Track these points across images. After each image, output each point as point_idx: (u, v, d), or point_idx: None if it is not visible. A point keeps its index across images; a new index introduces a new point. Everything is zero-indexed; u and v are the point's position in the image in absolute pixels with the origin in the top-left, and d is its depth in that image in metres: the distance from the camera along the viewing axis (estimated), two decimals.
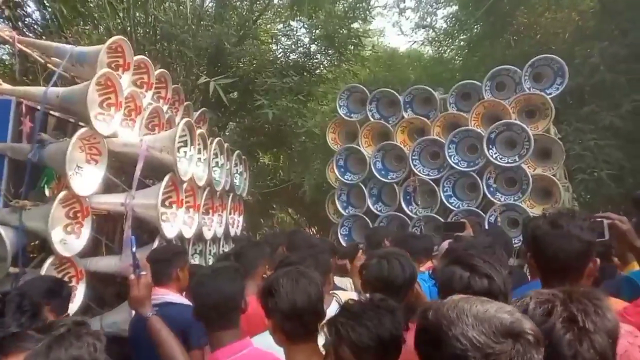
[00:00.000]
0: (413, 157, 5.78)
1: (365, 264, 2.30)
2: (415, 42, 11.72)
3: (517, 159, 5.35)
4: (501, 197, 5.46)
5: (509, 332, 0.98)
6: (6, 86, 3.52)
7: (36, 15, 7.37)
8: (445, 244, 3.28)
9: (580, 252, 1.75)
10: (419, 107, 6.15)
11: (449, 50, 12.72)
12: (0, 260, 3.16)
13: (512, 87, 5.85)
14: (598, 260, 1.81)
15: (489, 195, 5.45)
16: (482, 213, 5.42)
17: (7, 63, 7.58)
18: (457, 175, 5.67)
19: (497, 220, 5.32)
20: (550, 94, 5.62)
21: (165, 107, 4.63)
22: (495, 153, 5.45)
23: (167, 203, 3.79)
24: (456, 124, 5.82)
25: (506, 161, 5.40)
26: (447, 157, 5.58)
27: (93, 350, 1.27)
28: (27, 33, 6.45)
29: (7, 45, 6.45)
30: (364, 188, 6.06)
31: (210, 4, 8.93)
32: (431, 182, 5.71)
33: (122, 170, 4.05)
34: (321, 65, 8.69)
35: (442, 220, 5.44)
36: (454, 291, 1.52)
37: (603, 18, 9.36)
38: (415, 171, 5.78)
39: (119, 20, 7.40)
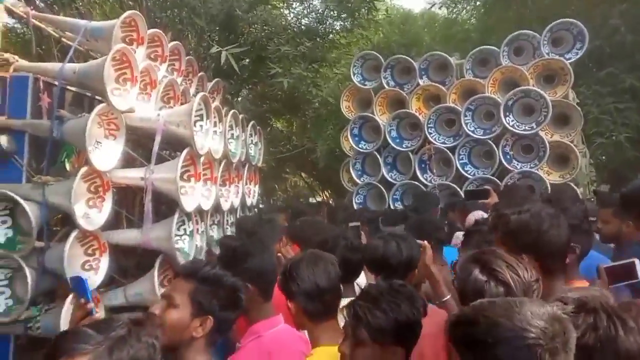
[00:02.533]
0: (429, 125, 5.75)
1: (365, 245, 2.34)
2: (430, 3, 11.30)
3: (535, 126, 5.29)
4: (517, 164, 5.44)
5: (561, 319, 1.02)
6: (23, 62, 3.51)
7: None
8: (472, 217, 3.23)
9: None
10: (435, 74, 6.06)
11: (464, 12, 12.39)
12: (26, 235, 3.25)
13: (531, 52, 5.74)
14: None
15: (505, 163, 5.42)
16: (497, 181, 5.40)
17: (19, 33, 7.55)
18: (473, 142, 5.64)
19: None
20: (569, 59, 5.52)
21: (179, 80, 4.62)
22: (513, 120, 5.39)
23: (185, 177, 3.82)
24: (473, 90, 5.74)
25: (523, 128, 5.34)
26: (464, 125, 5.53)
27: (152, 351, 1.27)
28: (38, 4, 6.39)
29: (20, 21, 6.44)
30: (378, 156, 6.05)
31: None
32: (447, 150, 5.68)
33: (140, 144, 4.09)
34: (334, 31, 8.53)
35: (458, 188, 5.44)
36: (467, 292, 1.54)
37: None
38: (431, 139, 5.75)
39: None
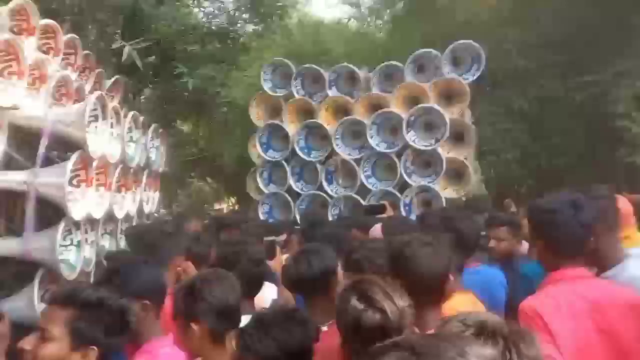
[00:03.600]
0: (336, 137, 5.83)
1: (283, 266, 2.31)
2: (341, 18, 11.58)
3: (434, 143, 5.55)
4: (417, 178, 5.67)
5: None
6: None
7: None
8: (377, 229, 3.29)
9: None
10: (344, 85, 6.17)
11: (373, 25, 12.81)
12: None
13: (432, 70, 6.01)
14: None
15: (405, 177, 5.63)
16: (398, 194, 5.60)
17: None
18: (376, 156, 5.80)
19: (413, 201, 5.53)
20: (467, 79, 5.85)
21: (74, 75, 4.29)
22: (414, 136, 5.62)
23: (74, 182, 3.55)
24: (379, 104, 5.91)
25: (423, 144, 5.59)
26: (369, 139, 5.68)
27: None
28: None
29: None
30: (286, 166, 6.04)
31: None
32: (352, 162, 5.80)
33: (25, 145, 3.73)
34: (245, 34, 8.42)
35: (361, 200, 5.57)
36: (347, 321, 1.54)
37: (517, 3, 9.80)
38: (338, 151, 5.84)
39: None
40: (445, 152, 5.74)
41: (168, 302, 2.10)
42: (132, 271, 2.08)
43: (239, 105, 7.97)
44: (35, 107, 3.62)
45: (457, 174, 5.85)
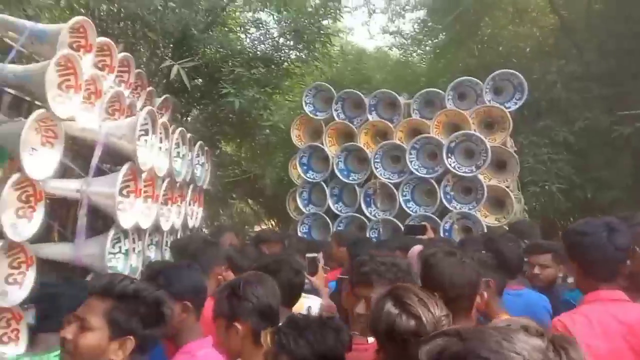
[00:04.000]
0: (375, 160, 5.86)
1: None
2: (382, 46, 11.78)
3: (474, 169, 5.51)
4: (457, 204, 5.61)
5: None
6: None
7: None
8: (416, 250, 3.29)
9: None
10: (384, 111, 6.24)
11: (415, 54, 12.94)
12: None
13: (474, 98, 6.02)
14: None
15: (445, 203, 5.59)
16: (437, 219, 5.56)
17: None
18: (416, 180, 5.78)
19: (453, 227, 5.47)
20: (509, 107, 5.81)
21: (127, 92, 4.49)
22: (454, 162, 5.59)
23: (124, 192, 3.68)
24: (418, 130, 5.94)
25: (464, 170, 5.55)
26: (408, 163, 5.68)
27: None
28: None
29: None
30: (325, 187, 6.10)
31: None
32: (391, 186, 5.81)
33: (79, 155, 3.91)
34: (289, 59, 8.63)
35: (400, 224, 5.54)
36: (380, 326, 1.54)
37: (562, 36, 9.74)
38: (377, 174, 5.86)
39: None
40: (487, 179, 5.68)
41: (208, 306, 2.15)
42: (175, 273, 2.14)
43: (281, 128, 8.15)
44: (89, 120, 3.80)
45: (498, 202, 5.76)
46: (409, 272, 2.03)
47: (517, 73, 5.95)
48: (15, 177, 3.12)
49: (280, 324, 1.94)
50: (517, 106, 5.88)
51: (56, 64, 3.28)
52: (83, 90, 3.64)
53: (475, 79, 6.00)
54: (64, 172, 3.68)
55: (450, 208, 5.57)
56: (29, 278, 3.27)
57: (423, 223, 5.12)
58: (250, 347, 1.84)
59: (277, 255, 2.71)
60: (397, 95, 6.18)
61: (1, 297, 2.99)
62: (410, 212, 5.70)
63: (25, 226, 3.22)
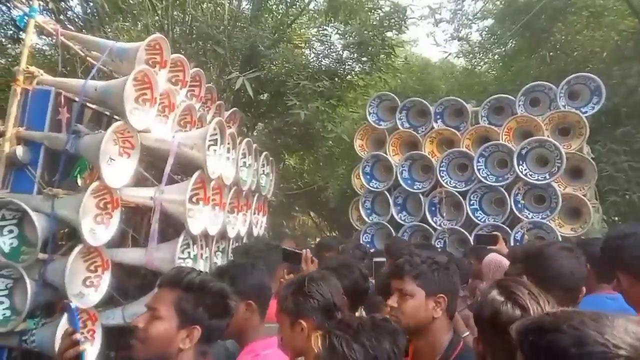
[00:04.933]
0: (441, 168, 5.74)
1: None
2: (449, 53, 11.55)
3: (548, 177, 5.26)
4: (529, 214, 5.37)
5: None
6: (47, 77, 3.60)
7: (78, 9, 7.59)
8: (492, 258, 3.17)
9: None
10: (450, 119, 6.11)
11: (482, 63, 12.61)
12: (31, 246, 3.24)
13: (547, 103, 5.77)
14: None
15: (516, 212, 5.37)
16: (508, 229, 5.33)
17: (46, 54, 7.80)
18: (484, 189, 5.60)
19: (524, 237, 5.23)
20: (585, 112, 5.52)
21: (197, 105, 4.69)
22: (526, 169, 5.37)
23: (194, 199, 3.83)
24: (487, 137, 5.76)
25: (536, 178, 5.31)
26: (476, 171, 5.52)
27: None
28: (68, 26, 6.62)
29: (48, 37, 6.67)
30: (389, 196, 6.03)
31: (246, 6, 9.03)
32: (458, 195, 5.65)
33: (153, 165, 4.12)
34: (353, 72, 8.68)
35: (467, 233, 5.38)
36: (484, 314, 1.49)
37: None
38: (442, 183, 5.73)
39: (157, 18, 7.54)
40: (562, 187, 5.40)
41: (272, 306, 2.17)
42: (240, 273, 2.19)
43: (344, 140, 8.17)
44: (163, 131, 3.99)
45: (574, 211, 5.46)
46: (450, 270, 1.94)
47: (593, 76, 5.67)
48: (94, 185, 3.32)
49: None
50: (594, 110, 5.58)
51: (134, 79, 3.48)
52: (158, 104, 3.83)
53: (549, 84, 5.76)
54: (138, 182, 3.88)
55: (522, 217, 5.33)
56: (105, 281, 3.45)
57: (494, 233, 4.92)
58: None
59: (345, 259, 2.70)
60: (463, 102, 6.04)
61: (79, 299, 3.17)
62: (478, 222, 5.52)
63: (103, 232, 3.41)
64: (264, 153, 5.47)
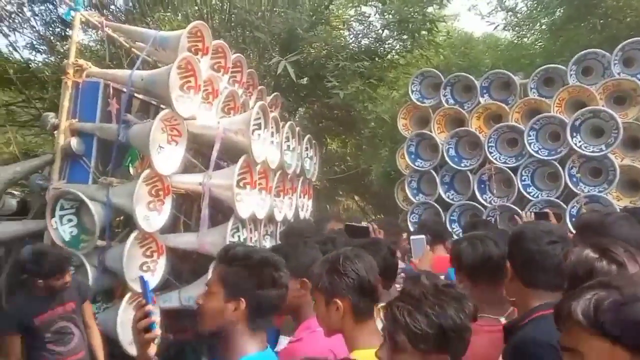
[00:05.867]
0: (489, 144, 5.56)
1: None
2: (494, 24, 11.10)
3: (604, 148, 5.01)
4: (585, 187, 5.15)
5: None
6: (95, 69, 3.70)
7: (120, 2, 7.76)
8: None
9: None
10: (497, 93, 5.90)
11: (529, 35, 12.11)
12: (89, 234, 3.37)
13: (600, 72, 5.48)
14: None
15: (571, 186, 5.15)
16: (563, 204, 5.14)
17: (92, 49, 8.02)
18: (536, 163, 5.40)
19: (581, 212, 5.02)
20: None
21: (240, 91, 4.72)
22: (580, 141, 5.13)
23: (241, 184, 3.87)
24: (537, 110, 5.53)
25: (591, 150, 5.07)
26: (527, 145, 5.32)
27: None
28: (111, 19, 6.78)
29: (94, 31, 6.85)
30: (435, 175, 5.91)
31: None
32: (508, 170, 5.48)
33: (200, 151, 4.19)
34: (393, 51, 8.51)
35: (519, 210, 5.21)
36: (578, 273, 1.40)
37: None
38: (491, 159, 5.56)
39: (197, 7, 7.62)
40: (619, 159, 5.14)
41: None
42: (292, 251, 2.20)
43: (386, 121, 8.05)
44: (208, 118, 4.04)
45: (633, 184, 5.20)
46: None
47: None
48: (145, 173, 3.41)
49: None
50: None
51: (177, 67, 3.53)
52: (202, 91, 3.88)
53: (602, 51, 5.46)
54: (187, 169, 3.96)
55: (577, 191, 5.12)
56: (160, 265, 3.56)
57: (545, 210, 4.72)
58: (351, 323, 1.78)
59: (373, 237, 2.70)
60: (511, 75, 5.82)
61: (136, 283, 3.28)
62: (531, 198, 5.33)
63: (156, 218, 3.51)
64: (307, 136, 5.47)
